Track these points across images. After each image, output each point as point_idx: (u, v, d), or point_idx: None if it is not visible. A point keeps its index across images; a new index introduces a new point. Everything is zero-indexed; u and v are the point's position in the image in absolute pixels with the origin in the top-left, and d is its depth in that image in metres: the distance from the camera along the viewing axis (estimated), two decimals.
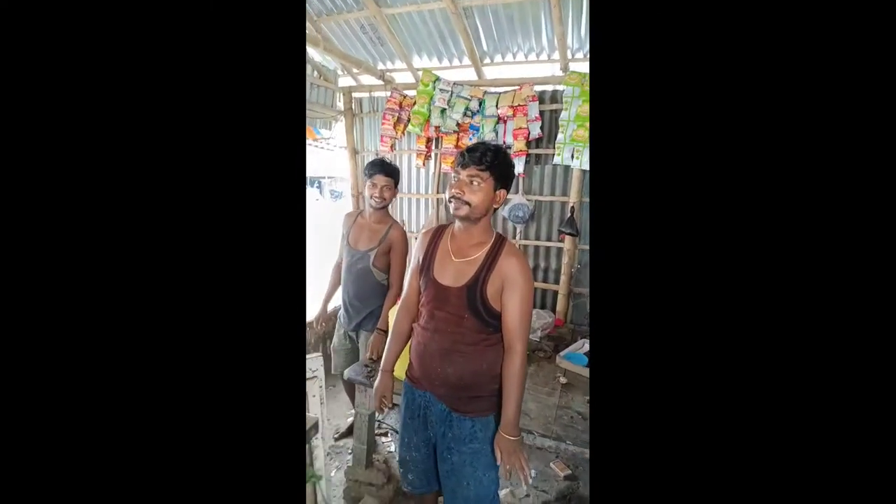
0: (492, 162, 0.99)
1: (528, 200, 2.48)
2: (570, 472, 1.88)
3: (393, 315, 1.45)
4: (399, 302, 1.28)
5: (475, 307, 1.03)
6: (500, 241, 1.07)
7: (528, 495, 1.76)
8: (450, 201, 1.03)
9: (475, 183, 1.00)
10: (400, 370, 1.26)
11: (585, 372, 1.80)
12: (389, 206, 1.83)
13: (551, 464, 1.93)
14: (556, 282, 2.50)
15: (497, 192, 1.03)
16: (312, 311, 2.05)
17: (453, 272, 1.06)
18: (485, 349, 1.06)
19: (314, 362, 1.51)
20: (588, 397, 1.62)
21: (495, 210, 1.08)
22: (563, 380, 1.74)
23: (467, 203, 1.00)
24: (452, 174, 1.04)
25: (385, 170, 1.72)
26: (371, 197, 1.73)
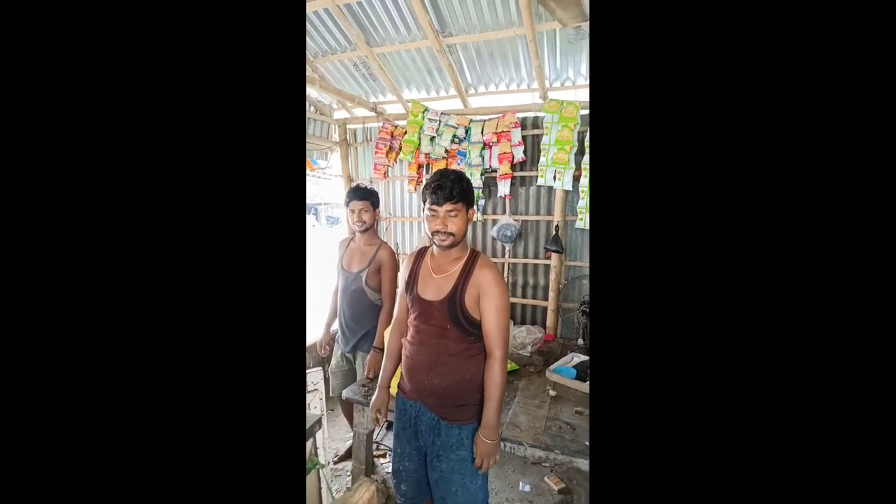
0: (461, 192, 1.10)
1: (515, 221, 2.59)
2: (563, 485, 1.91)
3: (388, 335, 1.55)
4: (391, 322, 1.37)
5: (456, 317, 1.12)
6: (475, 255, 1.17)
7: None
8: (433, 235, 1.14)
9: (453, 215, 1.10)
10: (394, 386, 1.34)
11: (574, 384, 1.86)
12: (382, 230, 1.93)
13: (545, 478, 1.96)
14: (545, 298, 2.58)
15: (468, 214, 1.15)
16: (315, 336, 2.12)
17: (434, 287, 1.16)
18: (467, 359, 1.14)
19: (315, 376, 1.59)
20: (576, 409, 1.68)
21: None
22: (552, 392, 1.80)
23: (451, 234, 1.11)
24: (426, 210, 1.14)
25: (359, 195, 1.82)
26: (353, 222, 1.84)
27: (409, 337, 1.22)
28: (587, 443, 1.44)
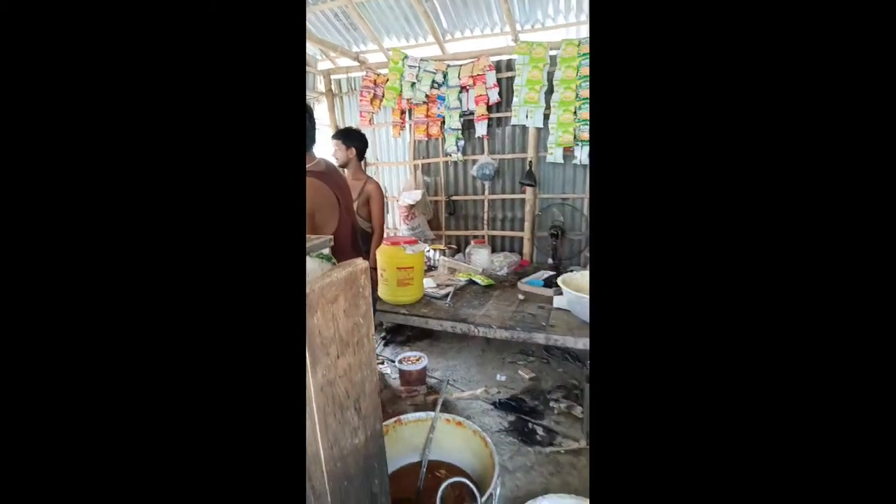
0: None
1: (493, 159, 2.84)
2: (533, 374, 2.29)
3: (379, 255, 1.96)
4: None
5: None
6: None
7: (499, 392, 2.17)
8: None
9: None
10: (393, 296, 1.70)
11: (541, 291, 2.20)
12: (373, 172, 2.18)
13: (518, 371, 2.34)
14: (521, 229, 2.88)
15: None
16: None
17: None
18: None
19: None
20: (539, 304, 2.02)
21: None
22: (521, 296, 2.13)
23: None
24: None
25: (333, 136, 2.15)
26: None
27: None
28: (543, 324, 1.78)
